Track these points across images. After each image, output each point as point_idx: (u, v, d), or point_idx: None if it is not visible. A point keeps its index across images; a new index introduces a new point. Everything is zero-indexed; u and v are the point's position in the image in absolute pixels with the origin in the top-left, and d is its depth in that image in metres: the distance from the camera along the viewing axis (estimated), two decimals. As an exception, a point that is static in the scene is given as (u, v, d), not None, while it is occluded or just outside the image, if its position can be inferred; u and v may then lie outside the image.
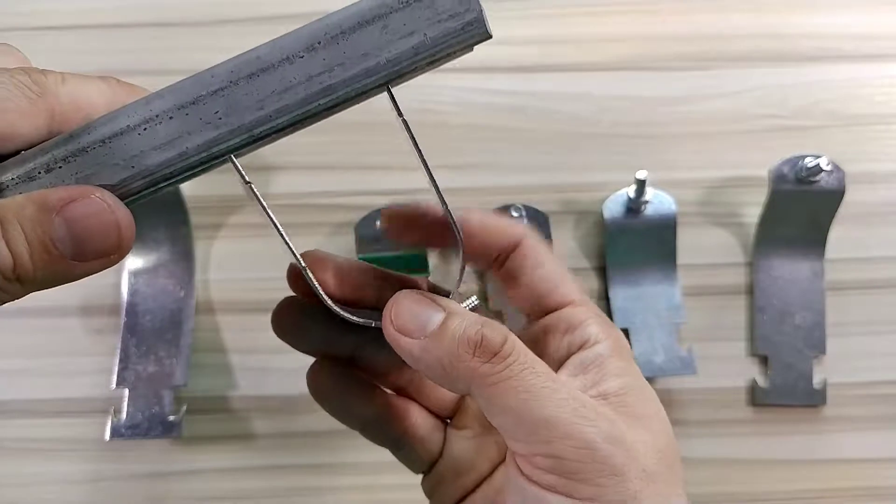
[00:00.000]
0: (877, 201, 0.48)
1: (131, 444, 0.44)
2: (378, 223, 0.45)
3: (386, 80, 0.21)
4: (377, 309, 0.26)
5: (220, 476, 0.45)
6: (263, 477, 0.45)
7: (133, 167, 0.21)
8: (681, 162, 0.49)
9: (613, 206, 0.46)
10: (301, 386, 0.45)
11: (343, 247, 0.47)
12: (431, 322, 0.23)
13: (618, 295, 0.46)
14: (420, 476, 0.31)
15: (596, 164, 0.49)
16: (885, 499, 0.45)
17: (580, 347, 0.26)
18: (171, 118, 0.21)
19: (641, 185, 0.43)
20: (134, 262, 0.46)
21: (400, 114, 0.22)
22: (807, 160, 0.43)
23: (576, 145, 0.49)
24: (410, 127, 0.23)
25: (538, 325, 0.28)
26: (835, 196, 0.44)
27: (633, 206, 0.45)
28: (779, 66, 0.50)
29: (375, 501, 0.44)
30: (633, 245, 0.46)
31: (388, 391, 0.30)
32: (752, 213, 0.47)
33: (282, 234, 0.23)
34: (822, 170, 0.43)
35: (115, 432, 0.43)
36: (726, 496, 0.44)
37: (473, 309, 0.26)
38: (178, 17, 0.51)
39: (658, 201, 0.46)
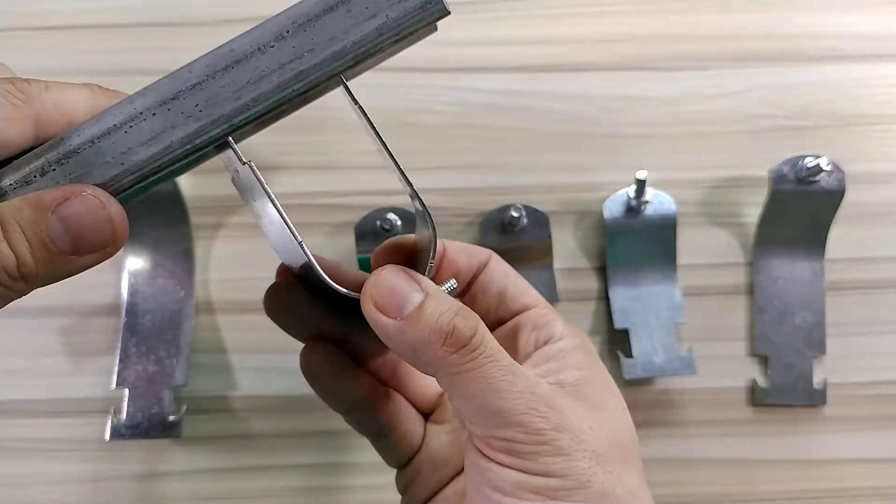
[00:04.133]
0: (877, 201, 0.48)
1: (131, 445, 0.44)
2: (378, 223, 0.45)
3: (354, 61, 0.22)
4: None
5: (219, 476, 0.45)
6: (263, 477, 0.45)
7: (122, 164, 0.22)
8: (681, 162, 0.49)
9: (613, 206, 0.46)
10: (301, 386, 0.45)
11: (343, 247, 0.47)
12: (410, 303, 0.24)
13: (618, 295, 0.46)
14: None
15: (596, 164, 0.49)
16: (886, 499, 0.45)
17: (545, 342, 0.29)
18: (154, 114, 0.22)
19: (641, 185, 0.43)
20: (134, 262, 0.46)
21: (355, 101, 0.23)
22: (807, 160, 0.43)
23: (576, 145, 0.49)
24: (368, 114, 0.24)
25: (510, 324, 0.31)
26: (835, 196, 0.44)
27: (633, 207, 0.45)
28: (779, 66, 0.50)
29: (374, 502, 0.45)
30: (633, 245, 0.46)
31: (379, 382, 0.31)
32: (752, 213, 0.47)
33: (281, 213, 0.23)
34: (822, 170, 0.43)
35: (115, 432, 0.43)
36: (726, 496, 0.44)
37: (450, 293, 0.27)
38: (177, 17, 0.51)
39: (658, 201, 0.46)
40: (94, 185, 0.22)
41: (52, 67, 0.50)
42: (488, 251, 0.31)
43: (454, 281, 0.28)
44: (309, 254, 0.24)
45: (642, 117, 0.49)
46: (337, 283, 0.25)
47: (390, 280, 0.24)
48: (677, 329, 0.45)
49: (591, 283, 0.47)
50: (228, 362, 0.46)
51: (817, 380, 0.45)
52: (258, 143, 0.46)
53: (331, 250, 0.47)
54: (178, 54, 0.50)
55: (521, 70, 0.50)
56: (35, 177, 0.22)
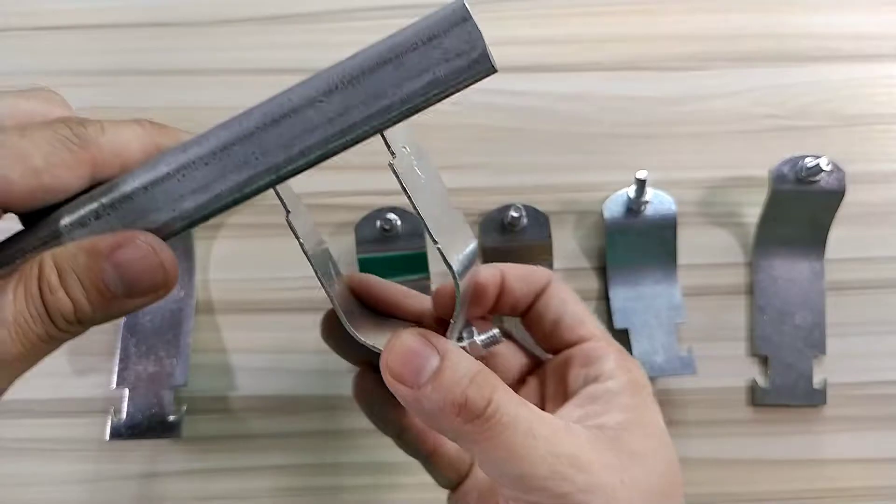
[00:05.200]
0: (877, 201, 0.48)
1: (131, 444, 0.44)
2: (378, 223, 0.45)
3: (400, 117, 0.22)
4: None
5: (219, 476, 0.45)
6: (263, 477, 0.45)
7: (174, 210, 0.23)
8: (681, 162, 0.49)
9: (613, 206, 0.46)
10: (300, 387, 0.45)
11: (343, 247, 0.47)
12: (424, 371, 0.24)
13: (618, 295, 0.46)
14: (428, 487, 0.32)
15: (596, 164, 0.49)
16: (885, 499, 0.45)
17: (594, 380, 0.28)
18: (206, 164, 0.22)
19: (641, 185, 0.44)
20: (134, 262, 0.46)
21: (393, 154, 0.24)
22: (807, 160, 0.43)
23: (576, 145, 0.49)
24: (400, 173, 0.24)
25: (561, 355, 0.30)
26: (835, 196, 0.44)
27: (634, 207, 0.45)
28: (779, 66, 0.50)
29: (374, 501, 0.45)
30: (633, 245, 0.46)
31: None
32: (752, 213, 0.47)
33: (312, 266, 0.24)
34: (822, 170, 0.43)
35: (115, 432, 0.43)
36: (726, 496, 0.44)
37: (490, 342, 0.27)
38: (177, 17, 0.51)
39: (658, 201, 0.46)
40: (147, 229, 0.22)
41: (52, 68, 0.50)
42: (548, 274, 0.30)
43: (496, 331, 0.27)
44: (336, 304, 0.25)
45: (642, 117, 0.49)
46: (396, 309, 0.26)
47: (405, 346, 0.24)
48: (677, 329, 0.45)
49: (591, 282, 0.47)
50: (228, 362, 0.46)
51: (817, 380, 0.45)
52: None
53: (331, 250, 0.47)
54: (178, 55, 0.51)
55: (521, 70, 0.50)
56: (90, 220, 0.22)
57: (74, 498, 0.44)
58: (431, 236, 0.24)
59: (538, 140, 0.49)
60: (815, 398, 0.45)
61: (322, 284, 0.24)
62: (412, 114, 0.22)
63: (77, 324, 0.22)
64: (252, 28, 0.51)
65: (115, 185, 0.23)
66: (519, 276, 0.29)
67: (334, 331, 0.29)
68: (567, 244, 0.48)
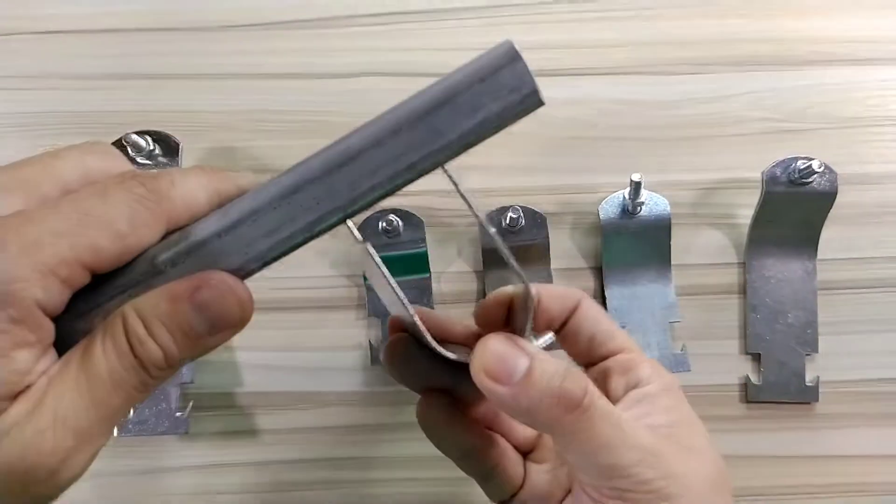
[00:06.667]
0: (868, 202, 0.49)
1: (139, 441, 0.45)
2: (380, 223, 0.46)
3: (459, 153, 0.24)
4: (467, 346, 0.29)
5: (226, 471, 0.46)
6: (268, 472, 0.46)
7: (247, 253, 0.23)
8: (676, 164, 0.49)
9: (609, 208, 0.47)
10: (305, 383, 0.45)
11: (345, 248, 0.48)
12: (518, 370, 0.25)
13: (613, 294, 0.47)
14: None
15: (592, 166, 0.49)
16: (876, 494, 0.45)
17: (634, 386, 0.30)
18: (274, 209, 0.23)
19: (637, 187, 0.44)
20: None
21: (456, 186, 0.25)
22: (799, 162, 0.44)
23: (573, 148, 0.50)
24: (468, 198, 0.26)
25: (598, 367, 0.31)
26: (827, 197, 0.45)
27: (629, 208, 0.46)
28: (773, 70, 0.51)
29: (375, 495, 0.45)
30: (629, 246, 0.47)
31: (484, 427, 0.32)
32: (746, 214, 0.48)
33: (396, 291, 0.24)
34: (814, 172, 0.44)
35: (123, 429, 0.44)
36: (720, 491, 0.45)
37: (548, 347, 0.29)
38: (181, 21, 0.52)
39: (653, 203, 0.46)
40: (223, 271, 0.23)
41: (57, 71, 0.51)
42: (579, 293, 0.32)
43: (551, 334, 0.29)
44: (423, 328, 0.26)
45: (638, 121, 0.50)
46: (446, 336, 0.27)
47: (496, 349, 0.26)
48: (671, 328, 0.46)
49: (588, 282, 0.48)
50: (234, 360, 0.47)
51: (810, 377, 0.46)
52: (265, 146, 0.47)
53: (334, 251, 0.48)
54: (181, 59, 0.51)
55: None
56: (166, 267, 0.23)
57: (82, 494, 0.45)
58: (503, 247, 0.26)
59: (536, 143, 0.50)
60: (807, 395, 0.46)
61: (408, 311, 0.25)
62: (468, 148, 0.24)
63: (168, 368, 0.23)
64: (256, 33, 0.51)
65: (188, 233, 0.23)
66: (554, 296, 0.31)
67: (397, 360, 0.29)
68: (564, 245, 0.49)
